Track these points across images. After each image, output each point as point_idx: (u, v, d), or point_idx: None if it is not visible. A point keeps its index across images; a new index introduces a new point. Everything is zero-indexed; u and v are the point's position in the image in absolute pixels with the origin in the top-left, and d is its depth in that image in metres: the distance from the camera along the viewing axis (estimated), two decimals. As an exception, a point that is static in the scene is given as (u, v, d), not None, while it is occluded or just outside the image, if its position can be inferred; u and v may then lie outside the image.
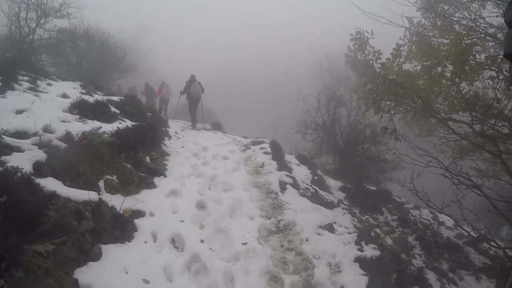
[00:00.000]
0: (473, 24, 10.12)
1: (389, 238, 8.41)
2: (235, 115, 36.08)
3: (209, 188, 7.12)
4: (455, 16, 10.57)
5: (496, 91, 7.42)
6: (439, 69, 7.56)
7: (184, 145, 10.61)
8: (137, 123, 8.60)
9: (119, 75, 23.07)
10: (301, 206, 6.90)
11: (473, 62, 7.13)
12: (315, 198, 8.09)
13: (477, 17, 10.50)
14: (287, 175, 8.44)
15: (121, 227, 4.78)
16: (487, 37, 9.92)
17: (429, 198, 9.38)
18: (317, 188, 8.92)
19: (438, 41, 9.85)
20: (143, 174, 6.76)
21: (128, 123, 8.59)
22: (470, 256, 9.37)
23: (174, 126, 14.52)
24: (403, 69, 7.95)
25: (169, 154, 9.13)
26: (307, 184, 8.83)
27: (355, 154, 13.53)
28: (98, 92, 12.04)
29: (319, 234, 5.91)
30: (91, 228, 4.13)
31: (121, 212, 4.97)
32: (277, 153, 9.88)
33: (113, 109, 9.07)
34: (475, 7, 10.53)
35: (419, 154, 9.14)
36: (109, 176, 5.77)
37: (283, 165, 9.40)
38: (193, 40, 57.38)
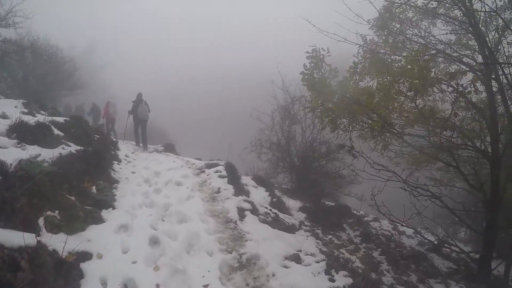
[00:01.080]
0: (424, 41, 10.33)
1: (355, 257, 8.25)
2: (188, 134, 35.45)
3: (163, 220, 6.55)
4: (406, 34, 10.75)
5: (454, 105, 7.56)
6: (395, 85, 7.55)
7: (135, 169, 9.98)
8: (82, 148, 7.96)
9: (67, 92, 21.93)
10: (263, 235, 6.46)
11: (433, 77, 7.19)
12: (276, 223, 7.73)
13: (427, 34, 10.85)
14: (245, 200, 8.00)
15: (65, 275, 4.18)
16: (438, 54, 10.15)
17: (390, 213, 9.41)
18: (277, 212, 8.56)
19: (392, 58, 9.96)
20: (89, 207, 6.11)
21: (73, 147, 7.94)
22: (435, 263, 9.52)
23: (124, 148, 13.80)
24: (359, 86, 7.86)
25: (119, 181, 8.50)
26: (266, 208, 8.45)
27: (312, 172, 13.40)
28: (42, 112, 11.14)
29: (286, 267, 5.46)
30: (28, 280, 3.54)
31: (64, 256, 4.40)
32: (233, 176, 9.47)
33: (56, 131, 8.33)
34: (425, 25, 10.94)
35: (376, 169, 9.10)
36: (50, 212, 5.09)
37: (240, 189, 8.98)
38: (146, 56, 56.36)
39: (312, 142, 13.57)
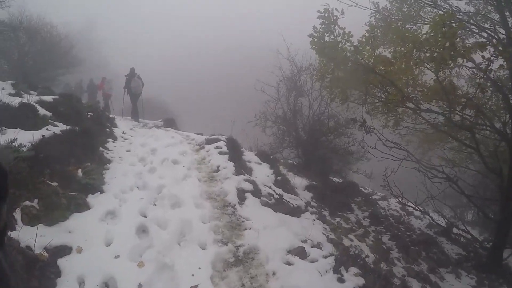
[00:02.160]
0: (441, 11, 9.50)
1: (365, 244, 7.73)
2: (191, 109, 34.72)
3: (154, 204, 5.93)
4: (421, 1, 10.05)
5: (480, 81, 6.82)
6: (415, 54, 6.75)
7: (130, 147, 9.36)
8: (68, 128, 7.34)
9: (64, 70, 21.22)
10: (265, 222, 5.79)
11: (462, 46, 6.34)
12: (280, 206, 7.05)
13: (444, 2, 10.03)
14: (246, 180, 7.33)
15: (39, 274, 3.66)
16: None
17: (403, 195, 8.94)
18: (281, 192, 7.90)
19: (406, 27, 9.21)
20: (73, 193, 5.54)
21: (61, 128, 7.37)
22: (445, 248, 9.13)
23: (122, 125, 13.16)
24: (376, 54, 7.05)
25: (111, 161, 7.91)
26: (270, 188, 7.80)
27: (319, 147, 12.71)
28: (32, 92, 10.57)
29: (289, 264, 4.75)
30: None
31: (38, 253, 3.83)
32: (234, 153, 8.82)
33: (42, 112, 7.79)
34: None
35: (388, 146, 8.49)
36: (28, 202, 4.55)
37: (241, 166, 8.32)
38: (147, 31, 54.99)
39: (320, 116, 12.84)
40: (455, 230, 10.00)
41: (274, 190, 7.68)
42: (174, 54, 50.95)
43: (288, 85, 13.08)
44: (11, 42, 18.28)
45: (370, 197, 12.60)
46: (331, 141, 13.12)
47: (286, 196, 7.89)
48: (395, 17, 10.12)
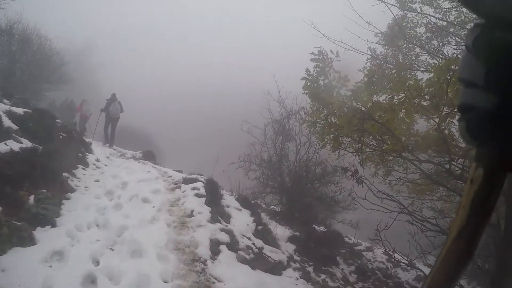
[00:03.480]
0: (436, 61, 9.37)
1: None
2: (174, 144, 33.85)
3: (111, 249, 5.04)
4: (414, 51, 10.25)
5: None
6: (416, 102, 6.19)
7: (101, 177, 8.52)
8: (29, 146, 6.48)
9: (52, 85, 20.54)
10: (240, 284, 4.91)
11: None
12: (260, 261, 6.17)
13: (437, 52, 9.93)
14: (222, 229, 6.45)
15: None
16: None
17: (395, 250, 8.33)
18: (261, 244, 7.03)
19: (402, 74, 8.87)
20: (19, 223, 4.71)
21: (23, 145, 6.54)
22: None
23: (98, 151, 12.33)
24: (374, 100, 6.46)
25: (75, 190, 7.08)
26: (249, 239, 6.93)
27: (304, 194, 11.96)
28: (5, 101, 9.81)
29: None
30: None
31: None
32: (212, 196, 7.99)
33: (7, 124, 6.99)
34: (435, 44, 10.12)
35: (379, 197, 7.87)
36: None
37: (219, 212, 7.45)
38: (143, 65, 54.88)
39: (307, 162, 12.14)
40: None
41: (253, 243, 6.77)
42: (165, 90, 50.61)
43: (276, 128, 12.46)
44: (2, 47, 17.69)
45: (355, 248, 11.87)
46: (317, 189, 12.38)
47: (267, 249, 7.02)
48: (390, 65, 9.79)
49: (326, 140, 7.54)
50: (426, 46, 10.05)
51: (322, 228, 12.20)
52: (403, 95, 6.52)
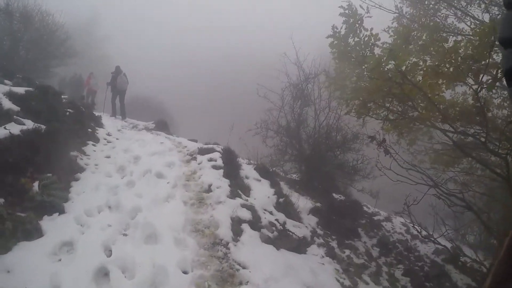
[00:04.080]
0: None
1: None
2: (188, 112, 33.38)
3: (124, 234, 4.63)
4: (441, 13, 9.45)
5: None
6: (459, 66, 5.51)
7: (112, 152, 8.08)
8: (32, 128, 6.01)
9: (58, 61, 19.81)
10: (266, 270, 4.40)
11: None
12: (284, 239, 5.74)
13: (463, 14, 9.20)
14: (243, 205, 5.98)
15: None
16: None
17: (421, 225, 7.85)
18: (284, 218, 6.58)
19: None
20: (24, 214, 4.31)
21: (26, 126, 6.07)
22: (453, 278, 8.50)
23: (110, 125, 11.90)
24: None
25: (84, 169, 6.65)
26: (271, 213, 6.47)
27: (324, 163, 11.43)
28: (6, 81, 9.34)
29: None
30: None
31: None
32: (231, 167, 7.51)
33: (7, 105, 6.49)
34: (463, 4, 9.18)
35: (404, 168, 7.32)
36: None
37: (238, 185, 6.99)
38: (152, 33, 53.61)
39: (326, 128, 11.55)
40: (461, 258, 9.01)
41: (276, 219, 6.31)
42: (175, 57, 49.56)
43: (294, 92, 11.79)
44: (4, 27, 16.90)
45: (374, 218, 11.58)
46: (337, 156, 11.82)
47: (290, 224, 6.58)
48: (420, 27, 9.01)
49: (351, 105, 6.94)
50: (454, 4, 9.21)
51: (341, 197, 11.77)
52: (438, 58, 5.87)
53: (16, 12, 16.88)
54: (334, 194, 11.60)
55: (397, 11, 8.77)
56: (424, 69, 5.29)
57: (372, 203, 13.11)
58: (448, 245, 8.71)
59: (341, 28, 5.77)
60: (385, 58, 5.14)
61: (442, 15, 9.49)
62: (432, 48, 6.04)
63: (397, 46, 5.55)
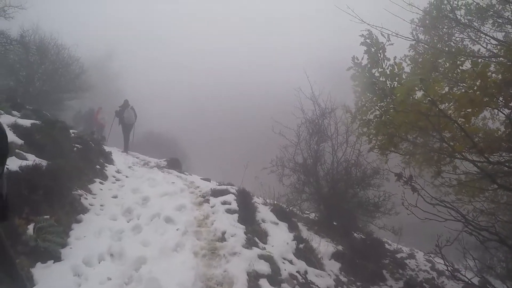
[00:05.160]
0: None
1: None
2: (201, 150, 33.05)
3: (125, 291, 4.08)
4: (455, 37, 9.20)
5: None
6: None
7: (119, 192, 7.62)
8: (30, 164, 5.55)
9: (73, 94, 20.16)
10: None
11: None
12: (306, 295, 5.12)
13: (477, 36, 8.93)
14: (261, 256, 5.36)
15: None
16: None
17: (452, 266, 7.35)
18: (305, 267, 5.95)
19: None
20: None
21: (26, 162, 5.66)
22: None
23: (120, 161, 11.52)
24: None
25: (88, 210, 6.18)
26: (291, 263, 5.85)
27: (343, 200, 10.80)
28: (15, 113, 9.12)
29: None
30: None
31: None
32: (246, 211, 6.97)
33: (10, 138, 6.10)
34: (476, 26, 8.85)
35: (431, 204, 6.72)
36: None
37: (254, 231, 6.37)
38: (166, 71, 54.20)
39: (345, 164, 10.98)
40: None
41: (298, 271, 5.65)
42: (189, 95, 49.78)
43: (310, 128, 11.34)
44: (20, 58, 17.37)
45: (397, 255, 11.20)
46: (357, 193, 11.18)
47: (311, 273, 5.94)
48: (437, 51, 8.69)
49: (377, 140, 6.42)
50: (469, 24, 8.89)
51: (361, 235, 11.14)
52: (464, 85, 5.37)
53: (32, 45, 17.32)
54: (355, 233, 10.96)
55: (414, 38, 8.38)
56: (457, 97, 4.74)
57: (392, 238, 12.57)
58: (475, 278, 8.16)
59: (362, 58, 5.32)
60: (414, 88, 4.64)
61: (457, 38, 9.19)
62: (451, 74, 5.53)
63: (424, 75, 5.06)
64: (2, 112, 8.28)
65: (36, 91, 17.38)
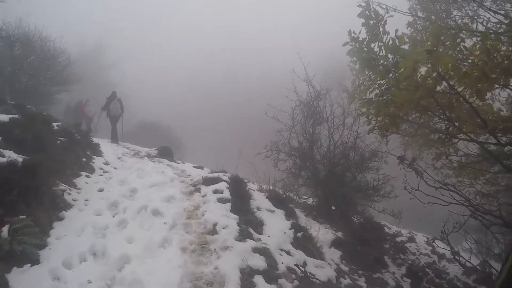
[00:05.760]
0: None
1: None
2: (195, 136, 32.60)
3: (105, 293, 3.72)
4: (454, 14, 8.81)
5: None
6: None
7: (106, 185, 7.23)
8: (4, 162, 5.12)
9: (61, 87, 19.43)
10: None
11: None
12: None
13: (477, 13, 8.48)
14: (255, 249, 4.96)
15: None
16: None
17: (459, 254, 7.25)
18: (304, 258, 5.60)
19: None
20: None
21: (7, 158, 5.27)
22: None
23: (111, 152, 11.13)
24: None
25: (71, 206, 5.81)
26: (289, 254, 5.49)
27: (341, 184, 10.45)
28: None
29: None
30: None
31: None
32: (240, 199, 6.59)
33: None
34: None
35: (434, 187, 6.40)
36: None
37: (249, 221, 5.98)
38: (157, 57, 53.27)
39: (342, 147, 10.63)
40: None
41: (296, 264, 5.26)
42: (181, 81, 49.01)
43: (305, 111, 10.91)
44: (4, 54, 16.64)
45: (397, 239, 10.99)
46: (355, 177, 10.83)
47: (311, 264, 5.58)
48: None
49: (377, 121, 6.04)
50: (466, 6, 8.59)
51: (360, 219, 10.83)
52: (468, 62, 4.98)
53: (16, 39, 16.62)
54: (353, 218, 10.67)
55: (412, 14, 7.98)
56: (469, 72, 4.31)
57: (390, 220, 12.38)
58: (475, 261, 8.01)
59: (359, 32, 4.88)
60: (420, 62, 4.19)
61: (454, 16, 8.83)
62: (452, 52, 5.13)
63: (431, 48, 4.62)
64: None
65: (22, 86, 16.95)
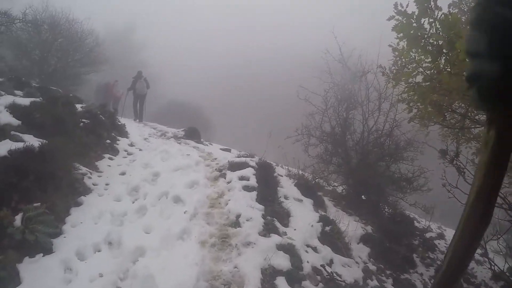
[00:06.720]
0: None
1: None
2: (227, 117, 32.43)
3: (118, 288, 3.47)
4: None
5: None
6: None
7: (127, 169, 7.00)
8: (21, 148, 4.89)
9: (89, 68, 19.72)
10: None
11: None
12: (331, 291, 4.35)
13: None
14: (280, 246, 4.61)
15: None
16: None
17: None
18: (330, 256, 5.22)
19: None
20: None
21: (27, 142, 5.09)
22: None
23: (137, 133, 10.98)
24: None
25: (91, 190, 5.61)
26: (314, 250, 5.13)
27: (374, 174, 9.91)
28: (17, 92, 8.70)
29: None
30: None
31: None
32: (266, 188, 6.23)
33: (6, 119, 5.76)
34: None
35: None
36: None
37: (275, 212, 5.63)
38: (189, 38, 52.96)
39: (377, 134, 10.07)
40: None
41: (322, 264, 4.84)
42: (212, 62, 48.62)
43: (339, 94, 10.37)
44: (33, 38, 17.09)
45: (426, 235, 10.14)
46: (389, 167, 10.27)
47: (337, 262, 5.20)
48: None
49: (419, 109, 5.53)
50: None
51: (389, 210, 10.23)
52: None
53: (44, 23, 17.07)
54: (384, 210, 10.13)
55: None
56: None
57: (419, 213, 11.51)
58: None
59: (407, 6, 4.34)
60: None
61: None
62: None
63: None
64: (3, 93, 7.77)
65: (51, 69, 17.34)
